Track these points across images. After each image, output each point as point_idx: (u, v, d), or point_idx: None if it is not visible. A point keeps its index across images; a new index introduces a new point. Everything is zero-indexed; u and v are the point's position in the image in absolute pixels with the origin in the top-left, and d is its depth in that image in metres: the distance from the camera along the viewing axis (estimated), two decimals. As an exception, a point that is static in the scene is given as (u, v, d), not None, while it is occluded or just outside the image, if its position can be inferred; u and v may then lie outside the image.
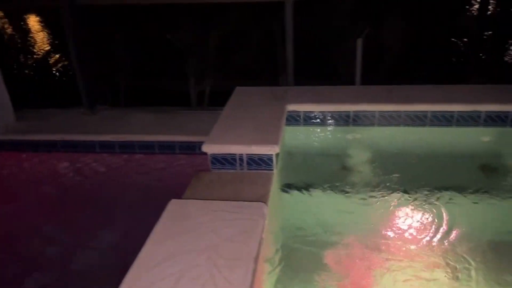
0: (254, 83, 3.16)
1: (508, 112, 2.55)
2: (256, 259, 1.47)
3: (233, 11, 3.76)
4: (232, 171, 2.24)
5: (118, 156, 3.07)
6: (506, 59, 3.75)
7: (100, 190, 2.87)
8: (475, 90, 2.77)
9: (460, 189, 2.31)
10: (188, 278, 1.36)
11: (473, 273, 1.83)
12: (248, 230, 1.57)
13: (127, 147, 3.11)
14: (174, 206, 1.74)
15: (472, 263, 1.88)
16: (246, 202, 1.75)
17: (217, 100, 2.84)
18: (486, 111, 2.56)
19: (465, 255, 1.93)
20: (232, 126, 2.44)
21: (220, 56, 3.90)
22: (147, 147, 3.10)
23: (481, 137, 2.61)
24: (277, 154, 2.24)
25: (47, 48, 5.14)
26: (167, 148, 3.08)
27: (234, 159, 2.23)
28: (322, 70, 3.62)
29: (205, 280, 1.34)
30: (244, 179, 2.16)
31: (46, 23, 5.20)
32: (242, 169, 2.24)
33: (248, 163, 2.24)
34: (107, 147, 3.15)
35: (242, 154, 2.22)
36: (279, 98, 2.81)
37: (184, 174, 2.69)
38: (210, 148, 2.23)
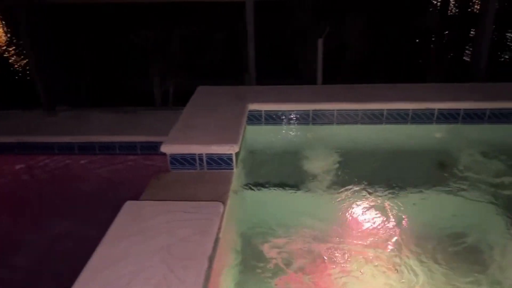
0: (219, 82, 3.16)
1: (459, 109, 2.66)
2: (210, 258, 1.48)
3: (197, 11, 3.76)
4: (192, 171, 2.24)
5: (77, 158, 3.01)
6: (462, 58, 3.90)
7: (56, 192, 2.81)
8: (429, 88, 2.87)
9: (416, 184, 2.39)
10: (141, 278, 1.36)
11: (429, 264, 1.90)
12: (203, 230, 1.58)
13: (86, 149, 3.06)
14: (129, 207, 1.73)
15: (427, 255, 1.95)
16: (202, 202, 1.76)
17: (183, 99, 2.83)
18: (439, 109, 2.66)
19: (418, 249, 2.00)
20: (192, 125, 2.44)
21: (184, 55, 3.88)
22: (108, 148, 3.05)
23: (434, 134, 2.71)
24: (237, 154, 2.26)
25: (4, 47, 4.98)
26: (128, 149, 3.04)
27: (194, 159, 2.24)
28: (285, 69, 3.66)
29: (157, 281, 1.35)
30: (203, 179, 2.17)
31: (2, 20, 5.03)
32: (202, 169, 2.25)
33: (208, 163, 2.24)
34: (66, 148, 3.08)
35: (201, 154, 2.23)
36: (240, 98, 2.83)
37: (145, 176, 2.67)
38: (169, 148, 2.22)
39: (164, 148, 2.22)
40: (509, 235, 2.01)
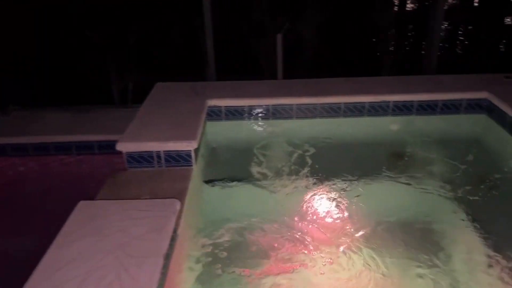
0: (178, 78, 3.13)
1: (413, 101, 2.74)
2: (166, 256, 1.47)
3: (155, 6, 3.69)
4: (149, 169, 2.21)
5: (32, 159, 2.90)
6: (415, 52, 4.02)
7: (10, 194, 2.70)
8: (384, 81, 2.95)
9: (373, 176, 2.46)
10: (94, 279, 1.33)
11: (384, 252, 1.95)
12: (159, 228, 1.56)
13: (41, 149, 2.95)
14: (82, 207, 1.68)
15: (384, 244, 2.01)
16: (158, 200, 1.74)
17: (143, 96, 2.78)
18: (393, 101, 2.74)
19: (373, 237, 2.05)
20: (149, 123, 2.41)
21: (143, 51, 3.80)
22: (64, 148, 2.96)
23: (390, 126, 2.79)
24: (197, 150, 2.24)
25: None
26: (85, 148, 2.96)
27: (151, 157, 2.20)
28: (246, 65, 3.66)
29: (110, 280, 1.32)
30: (162, 176, 2.14)
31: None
32: (160, 166, 2.22)
33: (166, 160, 2.21)
34: (20, 149, 2.96)
35: (159, 151, 2.20)
36: (199, 93, 2.81)
37: (102, 175, 2.61)
38: (125, 146, 2.18)
39: (120, 146, 2.18)
40: (459, 222, 2.09)
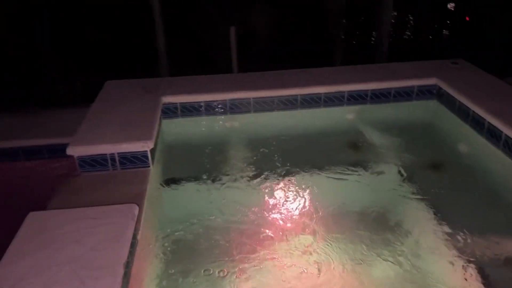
0: (129, 76, 3.02)
1: (367, 90, 2.79)
2: (126, 264, 1.41)
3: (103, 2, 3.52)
4: (104, 172, 2.12)
5: (-26, 168, 2.71)
6: (366, 40, 4.08)
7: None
8: (338, 71, 2.97)
9: (331, 166, 2.48)
10: (48, 297, 1.25)
11: (343, 239, 1.98)
12: (116, 235, 1.49)
13: (-16, 157, 2.76)
14: (32, 219, 1.58)
15: (345, 232, 2.03)
16: (114, 206, 1.66)
17: (92, 96, 2.65)
18: (348, 91, 2.77)
19: (336, 226, 2.07)
20: (101, 123, 2.30)
21: (91, 48, 3.62)
22: (10, 155, 2.78)
23: (346, 115, 2.83)
24: (153, 150, 2.17)
25: None
26: (34, 153, 2.79)
27: (105, 160, 2.11)
28: (199, 59, 3.58)
29: (67, 297, 1.25)
30: (117, 180, 2.06)
31: None
32: (115, 169, 2.13)
33: (121, 163, 2.13)
34: (-41, 158, 2.76)
35: (113, 154, 2.11)
36: (152, 91, 2.72)
37: (53, 182, 2.48)
38: (76, 150, 2.07)
39: (71, 151, 2.07)
40: (414, 205, 2.15)
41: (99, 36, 3.53)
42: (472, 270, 1.72)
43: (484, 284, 1.65)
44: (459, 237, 1.90)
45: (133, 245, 1.55)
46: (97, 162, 2.10)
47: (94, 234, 1.49)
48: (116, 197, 1.86)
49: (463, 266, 1.75)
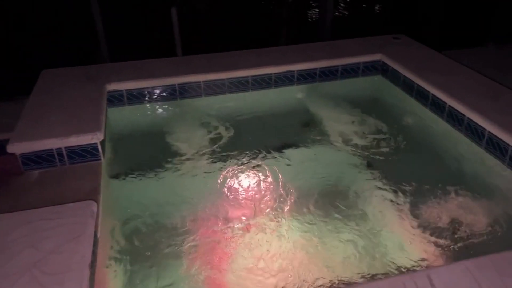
0: (67, 63, 2.82)
1: (315, 69, 2.81)
2: (91, 265, 1.32)
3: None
4: (52, 169, 1.97)
5: None
6: (309, 19, 4.12)
7: None
8: (286, 51, 2.97)
9: (285, 145, 2.49)
10: (8, 309, 1.15)
11: (302, 216, 2.00)
12: (76, 236, 1.40)
13: None
14: (-23, 226, 1.44)
15: (308, 207, 2.06)
16: (69, 204, 1.56)
17: (29, 86, 2.44)
18: (298, 70, 2.78)
19: (296, 203, 2.10)
20: (42, 117, 2.13)
21: (24, 35, 3.32)
22: None
23: (296, 95, 2.84)
24: (103, 142, 2.05)
25: None
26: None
27: (52, 155, 1.96)
28: (140, 43, 3.42)
29: (30, 306, 1.15)
30: (67, 176, 1.92)
31: None
32: (63, 164, 1.99)
33: (69, 157, 1.99)
34: None
35: (60, 148, 1.96)
36: (95, 78, 2.56)
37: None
38: (17, 148, 1.90)
39: (12, 148, 1.90)
40: (366, 177, 2.22)
41: (34, 21, 3.25)
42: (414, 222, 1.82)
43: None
44: (403, 198, 2.00)
45: (95, 243, 1.46)
46: (43, 159, 1.95)
47: (51, 237, 1.38)
48: (68, 195, 1.74)
49: (405, 223, 1.84)
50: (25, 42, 3.15)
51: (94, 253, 1.42)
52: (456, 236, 1.75)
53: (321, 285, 1.55)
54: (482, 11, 4.02)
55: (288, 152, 2.45)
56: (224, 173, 2.31)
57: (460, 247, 1.67)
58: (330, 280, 1.59)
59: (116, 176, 2.21)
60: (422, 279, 1.21)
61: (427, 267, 1.40)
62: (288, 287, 1.59)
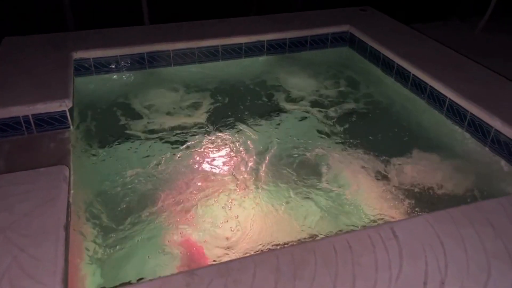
0: (31, 31, 2.71)
1: (285, 39, 2.84)
2: (66, 227, 1.34)
3: None
4: (19, 137, 1.93)
5: None
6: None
7: None
8: (256, 21, 2.97)
9: (257, 114, 2.52)
10: (-16, 269, 1.15)
11: (278, 182, 2.05)
12: (50, 199, 1.40)
13: None
14: None
15: (276, 175, 2.11)
16: (41, 169, 1.55)
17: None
18: (268, 40, 2.80)
19: (268, 170, 2.14)
20: (7, 84, 2.07)
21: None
22: None
23: (267, 65, 2.87)
24: (71, 109, 2.02)
25: None
26: None
27: (18, 123, 1.92)
28: (106, 11, 3.31)
29: (6, 265, 1.16)
30: (35, 144, 1.89)
31: None
32: (31, 133, 1.95)
33: (37, 125, 1.96)
34: None
35: (27, 116, 1.92)
36: (60, 46, 2.49)
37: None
38: (-18, 115, 1.86)
39: (-24, 115, 1.85)
40: (334, 145, 2.29)
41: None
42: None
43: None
44: (367, 160, 2.09)
45: (68, 207, 1.46)
46: (9, 126, 1.91)
47: (24, 201, 1.38)
48: (38, 162, 1.72)
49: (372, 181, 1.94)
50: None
51: (67, 216, 1.43)
52: (417, 192, 1.85)
53: (291, 241, 1.62)
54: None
55: (257, 120, 2.47)
56: (191, 141, 2.32)
57: (422, 202, 1.78)
58: (299, 237, 1.66)
59: (85, 145, 2.19)
60: (386, 231, 1.30)
61: (391, 221, 1.48)
62: (260, 243, 1.65)
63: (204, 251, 1.64)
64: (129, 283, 1.42)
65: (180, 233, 1.73)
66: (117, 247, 1.65)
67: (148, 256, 1.61)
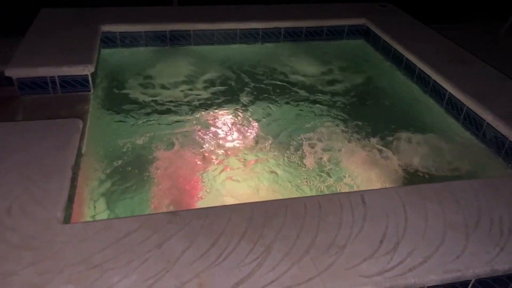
0: (65, 5, 2.95)
1: (302, 27, 2.95)
2: (73, 168, 1.52)
3: None
4: (45, 95, 2.14)
5: None
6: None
7: None
8: (274, 9, 3.09)
9: (269, 97, 2.64)
10: (-2, 194, 1.34)
11: (281, 159, 2.18)
12: (62, 144, 1.58)
13: None
14: (-26, 132, 1.62)
15: (281, 152, 2.23)
16: (58, 120, 1.74)
17: (25, 25, 2.57)
18: (285, 27, 2.92)
19: (275, 146, 2.27)
20: (39, 49, 2.29)
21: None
22: None
23: (283, 51, 2.99)
24: (94, 74, 2.21)
25: None
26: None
27: (45, 82, 2.13)
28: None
29: (18, 193, 1.35)
30: (59, 102, 2.10)
31: None
32: (56, 92, 2.16)
33: (62, 86, 2.16)
34: None
35: (53, 77, 2.13)
36: (90, 19, 2.70)
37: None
38: (15, 72, 2.07)
39: (10, 72, 2.07)
40: (341, 127, 2.39)
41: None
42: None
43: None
44: (378, 147, 2.19)
45: (78, 155, 1.65)
46: (37, 85, 2.12)
47: (39, 144, 1.57)
48: (58, 117, 1.91)
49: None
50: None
51: (77, 163, 1.61)
52: (408, 170, 1.96)
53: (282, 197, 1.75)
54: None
55: (268, 102, 2.60)
56: (202, 115, 2.47)
57: (408, 178, 1.88)
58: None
59: (102, 108, 2.37)
60: (356, 197, 1.41)
61: (363, 190, 1.58)
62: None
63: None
64: (118, 217, 1.58)
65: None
66: (117, 191, 1.82)
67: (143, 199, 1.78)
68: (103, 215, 1.62)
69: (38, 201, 1.33)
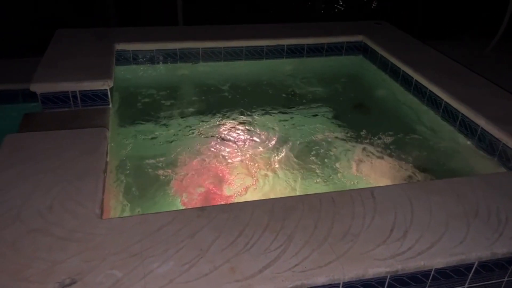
0: (78, 25, 3.10)
1: (304, 44, 3.13)
2: (104, 172, 1.64)
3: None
4: (66, 109, 2.27)
5: None
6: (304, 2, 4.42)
7: None
8: (278, 28, 3.27)
9: (273, 110, 2.81)
10: (38, 194, 1.46)
11: (290, 167, 2.32)
12: (92, 151, 1.71)
13: None
14: (10, 139, 1.74)
15: (289, 160, 2.38)
16: (86, 129, 1.87)
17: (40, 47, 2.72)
18: (287, 44, 3.09)
19: (282, 156, 2.41)
20: (59, 65, 2.43)
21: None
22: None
23: (285, 67, 3.16)
24: (112, 90, 2.35)
25: None
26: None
27: (67, 97, 2.26)
28: (146, 12, 3.69)
29: (57, 191, 1.46)
30: (79, 116, 2.22)
31: None
32: (77, 106, 2.29)
33: (82, 100, 2.29)
34: None
35: (75, 91, 2.26)
36: (104, 38, 2.85)
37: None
38: (39, 87, 2.20)
39: (34, 87, 2.19)
40: (342, 137, 2.54)
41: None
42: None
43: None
44: (377, 153, 2.34)
45: (106, 163, 1.77)
46: (59, 99, 2.25)
47: (70, 150, 1.69)
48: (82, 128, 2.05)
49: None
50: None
51: (105, 164, 1.73)
52: (411, 169, 2.11)
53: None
54: (460, 7, 4.36)
55: (274, 115, 2.76)
56: (213, 127, 2.62)
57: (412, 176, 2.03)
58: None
59: (120, 124, 2.51)
60: (366, 193, 1.55)
61: (372, 187, 1.71)
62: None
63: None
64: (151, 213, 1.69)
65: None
66: (140, 192, 1.95)
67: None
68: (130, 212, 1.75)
69: (76, 199, 1.44)
